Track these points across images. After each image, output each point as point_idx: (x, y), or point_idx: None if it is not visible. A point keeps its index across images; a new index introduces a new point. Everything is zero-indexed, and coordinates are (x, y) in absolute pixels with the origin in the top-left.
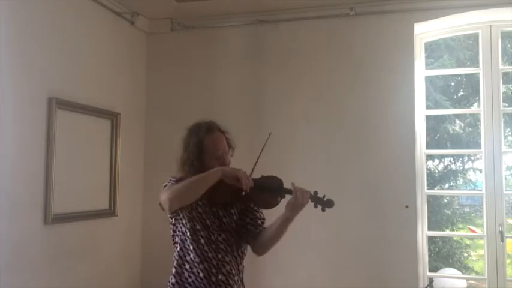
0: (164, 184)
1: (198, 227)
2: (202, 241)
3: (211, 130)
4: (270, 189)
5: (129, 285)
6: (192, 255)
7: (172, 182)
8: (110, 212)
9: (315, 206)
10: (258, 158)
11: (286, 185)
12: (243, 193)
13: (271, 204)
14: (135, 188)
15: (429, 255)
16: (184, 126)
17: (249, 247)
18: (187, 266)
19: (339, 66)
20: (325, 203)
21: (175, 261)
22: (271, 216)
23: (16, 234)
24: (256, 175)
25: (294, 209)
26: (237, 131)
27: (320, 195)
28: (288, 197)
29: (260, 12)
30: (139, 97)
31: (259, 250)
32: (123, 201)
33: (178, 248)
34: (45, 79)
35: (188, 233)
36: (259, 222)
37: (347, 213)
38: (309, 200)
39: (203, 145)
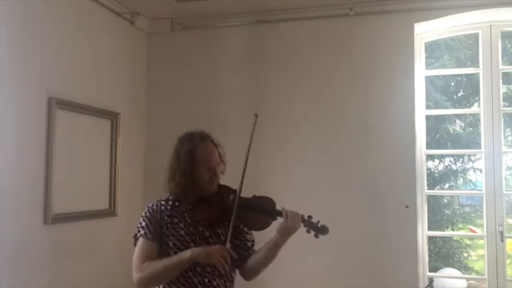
0: (135, 232)
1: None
2: (186, 266)
3: (205, 139)
4: (261, 211)
5: (129, 285)
6: (175, 287)
7: (143, 233)
8: (110, 212)
9: (308, 232)
10: (247, 156)
11: (279, 206)
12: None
13: (261, 227)
14: (135, 188)
15: (429, 255)
16: (184, 126)
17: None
18: None
19: (339, 66)
20: (319, 230)
21: None
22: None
23: (16, 234)
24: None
25: (284, 234)
26: (237, 131)
27: (314, 220)
28: (279, 219)
29: (260, 12)
30: (139, 97)
31: (247, 275)
32: (123, 201)
33: None
34: (45, 79)
35: None
36: (249, 244)
37: (347, 213)
38: (302, 225)
39: (195, 153)
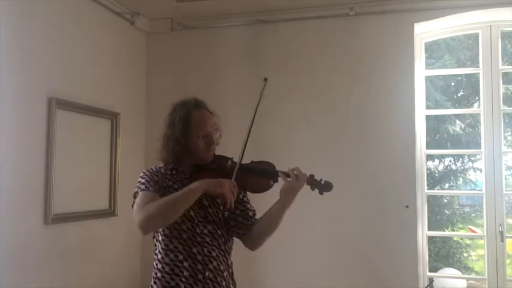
0: (135, 190)
1: (178, 220)
2: (185, 235)
3: (200, 106)
4: (261, 172)
5: (129, 285)
6: (173, 255)
7: (143, 187)
8: (110, 212)
9: (312, 189)
10: (252, 123)
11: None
12: (226, 214)
13: (263, 188)
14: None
15: (429, 255)
16: None
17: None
18: (167, 269)
19: (338, 66)
20: (323, 186)
21: (155, 264)
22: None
23: (16, 234)
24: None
25: (289, 193)
26: (237, 130)
27: (317, 178)
28: (281, 182)
29: (260, 12)
30: (139, 97)
31: (252, 244)
32: (123, 201)
33: (159, 248)
34: (45, 79)
35: (167, 230)
36: (251, 214)
37: (347, 213)
38: (305, 183)
39: (190, 119)
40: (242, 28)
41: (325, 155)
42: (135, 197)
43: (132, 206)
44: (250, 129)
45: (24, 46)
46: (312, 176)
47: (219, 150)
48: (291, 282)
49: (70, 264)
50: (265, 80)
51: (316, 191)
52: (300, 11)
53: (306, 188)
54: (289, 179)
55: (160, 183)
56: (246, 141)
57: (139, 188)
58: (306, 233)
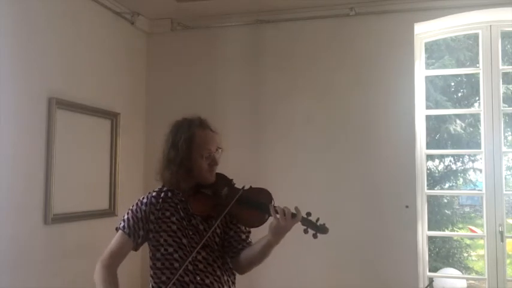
0: (120, 221)
1: (170, 250)
2: (176, 265)
3: (204, 126)
4: (257, 206)
5: (129, 285)
6: (165, 278)
7: (122, 226)
8: (110, 212)
9: (305, 231)
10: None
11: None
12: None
13: (256, 224)
14: (135, 188)
15: (429, 255)
16: None
17: None
18: None
19: (338, 66)
20: (319, 229)
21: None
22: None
23: (16, 234)
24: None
25: (276, 233)
26: (237, 130)
27: (313, 218)
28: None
29: (260, 12)
30: (140, 97)
31: (239, 268)
32: (123, 201)
33: (152, 283)
34: (45, 79)
35: (159, 263)
36: (243, 237)
37: (347, 213)
38: (299, 223)
39: (194, 140)
40: (242, 28)
41: (325, 155)
42: (117, 228)
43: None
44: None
45: (24, 46)
46: (308, 214)
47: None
48: (291, 282)
49: (70, 264)
50: (243, 188)
51: (311, 233)
52: (300, 11)
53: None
54: (278, 216)
55: (144, 220)
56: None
57: (120, 223)
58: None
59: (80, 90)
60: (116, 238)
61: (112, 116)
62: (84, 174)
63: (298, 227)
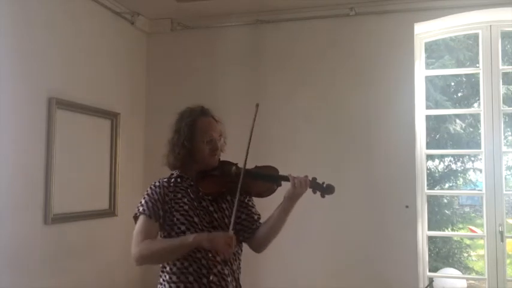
0: (137, 208)
1: (182, 228)
2: None
3: (206, 113)
4: (265, 177)
5: (129, 285)
6: (179, 263)
7: (142, 210)
8: (110, 212)
9: (314, 192)
10: (249, 141)
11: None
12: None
13: (267, 193)
14: (135, 188)
15: (429, 255)
16: None
17: (246, 246)
18: (174, 277)
19: (339, 66)
20: (325, 189)
21: (161, 271)
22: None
23: (16, 234)
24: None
25: (292, 198)
26: (237, 130)
27: (319, 181)
28: (284, 186)
29: (260, 12)
30: (140, 97)
31: (258, 247)
32: (123, 201)
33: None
34: (45, 79)
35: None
36: (256, 217)
37: (347, 213)
38: (308, 187)
39: (196, 125)
40: (242, 28)
41: (325, 155)
42: (135, 216)
43: (135, 222)
44: (250, 140)
45: (24, 46)
46: (314, 178)
47: (223, 156)
48: (292, 282)
49: (70, 264)
50: (257, 105)
51: (318, 194)
52: (300, 11)
53: (308, 190)
54: (294, 185)
55: (159, 207)
56: (248, 149)
57: (139, 209)
58: (306, 233)
59: (80, 90)
60: (139, 224)
61: (112, 116)
62: (84, 174)
63: (299, 227)
